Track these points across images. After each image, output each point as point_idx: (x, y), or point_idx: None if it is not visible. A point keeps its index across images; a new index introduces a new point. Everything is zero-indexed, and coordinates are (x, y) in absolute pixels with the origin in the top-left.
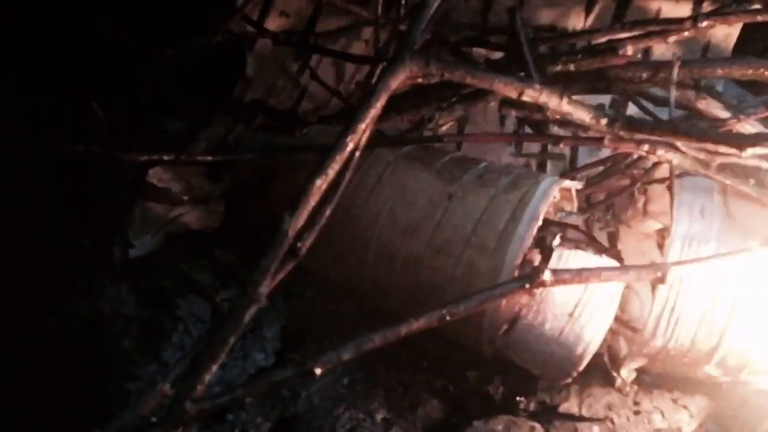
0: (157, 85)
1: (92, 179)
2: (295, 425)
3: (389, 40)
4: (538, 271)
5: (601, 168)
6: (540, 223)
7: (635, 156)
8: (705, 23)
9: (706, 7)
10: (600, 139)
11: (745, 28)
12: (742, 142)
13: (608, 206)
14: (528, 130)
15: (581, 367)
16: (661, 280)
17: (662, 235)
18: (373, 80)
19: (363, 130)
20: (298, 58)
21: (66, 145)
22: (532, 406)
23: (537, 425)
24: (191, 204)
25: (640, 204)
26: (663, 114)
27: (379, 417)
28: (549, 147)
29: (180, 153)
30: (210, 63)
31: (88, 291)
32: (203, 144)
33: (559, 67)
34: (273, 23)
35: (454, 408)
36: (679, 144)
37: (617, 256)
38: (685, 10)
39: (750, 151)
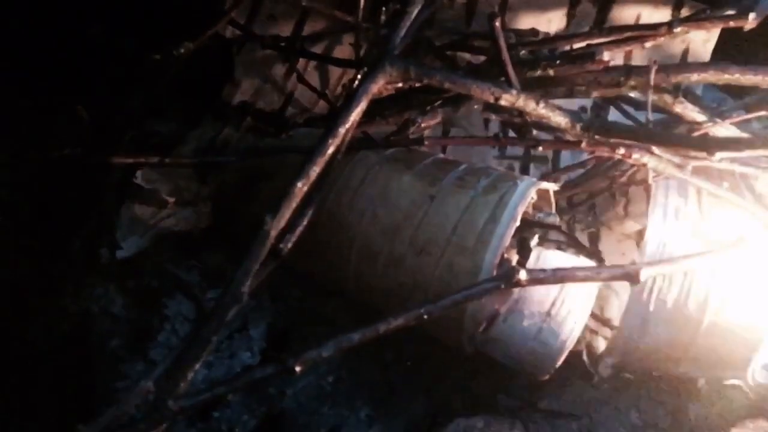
0: (147, 88)
1: (81, 180)
2: (280, 422)
3: (373, 43)
4: (514, 271)
5: (582, 170)
6: (518, 223)
7: (616, 158)
8: (679, 29)
9: (684, 13)
10: (577, 143)
11: (725, 34)
12: (711, 146)
13: (590, 207)
14: (511, 133)
15: (559, 363)
16: (634, 280)
17: (642, 235)
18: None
19: (344, 133)
20: (285, 61)
21: (53, 148)
22: (512, 403)
23: (517, 421)
24: (179, 205)
25: (620, 205)
26: (643, 117)
27: (362, 414)
28: (532, 150)
29: (165, 156)
30: (199, 65)
31: (76, 291)
32: (192, 145)
33: (538, 72)
34: (261, 27)
35: (437, 405)
36: (654, 147)
37: (598, 256)
38: (664, 15)
39: (719, 154)
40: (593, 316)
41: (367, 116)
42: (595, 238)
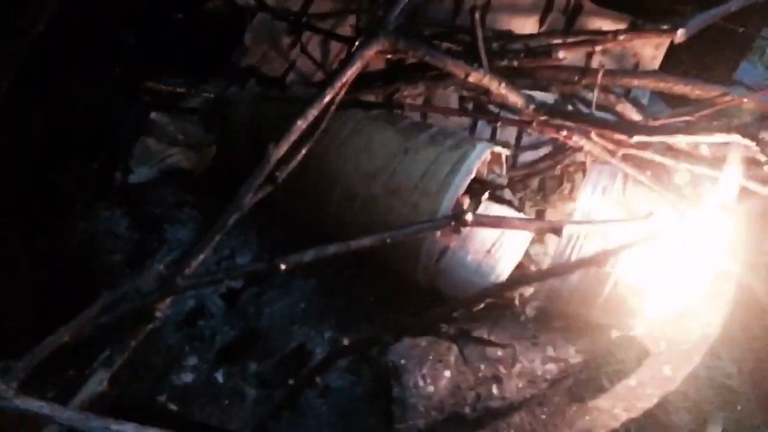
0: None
1: (103, 112)
2: (256, 336)
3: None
4: (463, 213)
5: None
6: (472, 176)
7: (561, 142)
8: (622, 37)
9: None
10: (529, 122)
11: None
12: (630, 130)
13: (539, 188)
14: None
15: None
16: (558, 233)
17: None
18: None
19: (339, 86)
20: (291, 33)
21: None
22: (451, 331)
23: (454, 345)
24: (185, 146)
25: (566, 189)
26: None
27: (326, 335)
28: (498, 134)
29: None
30: (212, 28)
31: (86, 211)
32: (200, 99)
33: (505, 62)
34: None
35: (391, 330)
36: (592, 134)
37: None
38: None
39: (636, 138)
40: (526, 271)
41: (357, 88)
42: (541, 215)
